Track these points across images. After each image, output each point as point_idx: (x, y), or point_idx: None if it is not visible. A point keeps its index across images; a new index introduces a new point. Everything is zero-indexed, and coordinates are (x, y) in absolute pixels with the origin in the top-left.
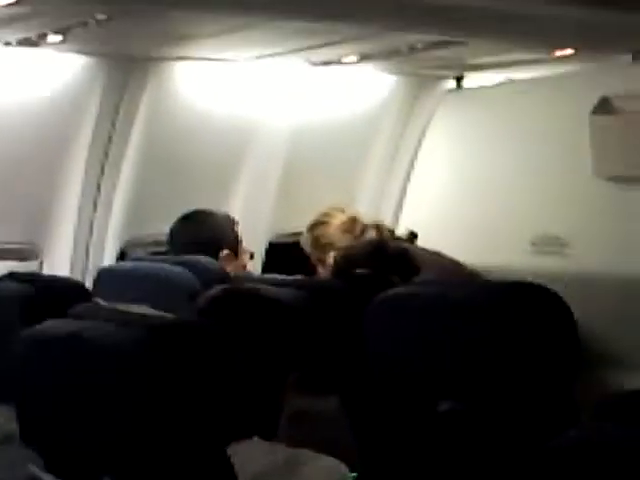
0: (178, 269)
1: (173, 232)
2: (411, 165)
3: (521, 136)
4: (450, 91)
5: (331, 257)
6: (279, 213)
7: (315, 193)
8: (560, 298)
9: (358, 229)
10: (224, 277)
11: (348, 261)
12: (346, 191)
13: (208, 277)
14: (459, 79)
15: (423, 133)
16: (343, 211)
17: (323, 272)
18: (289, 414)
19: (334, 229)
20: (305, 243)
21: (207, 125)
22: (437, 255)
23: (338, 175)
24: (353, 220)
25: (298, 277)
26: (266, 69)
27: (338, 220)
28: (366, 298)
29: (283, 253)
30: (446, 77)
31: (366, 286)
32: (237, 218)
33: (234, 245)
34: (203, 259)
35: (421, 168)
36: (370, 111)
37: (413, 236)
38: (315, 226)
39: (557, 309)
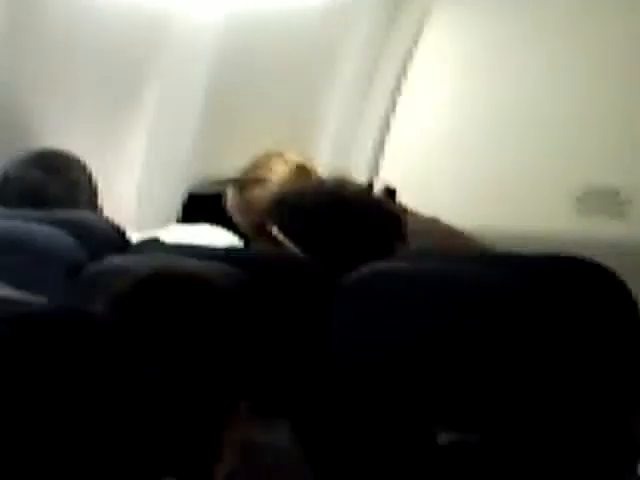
0: (49, 230)
1: (22, 182)
2: (396, 90)
3: (557, 49)
4: None
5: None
6: (201, 153)
7: (253, 124)
8: (617, 278)
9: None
10: (120, 243)
11: (293, 217)
12: (298, 124)
13: (95, 242)
14: None
15: (414, 43)
16: (285, 159)
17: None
18: (230, 445)
19: (274, 188)
20: (232, 207)
21: (95, 14)
22: (433, 221)
23: (287, 100)
24: (302, 171)
25: (232, 245)
26: None
27: (279, 173)
28: (332, 278)
29: (207, 208)
30: None
31: (333, 259)
32: (142, 160)
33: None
34: (89, 216)
35: (410, 95)
36: (339, 7)
37: (390, 194)
38: (246, 184)
39: (612, 293)
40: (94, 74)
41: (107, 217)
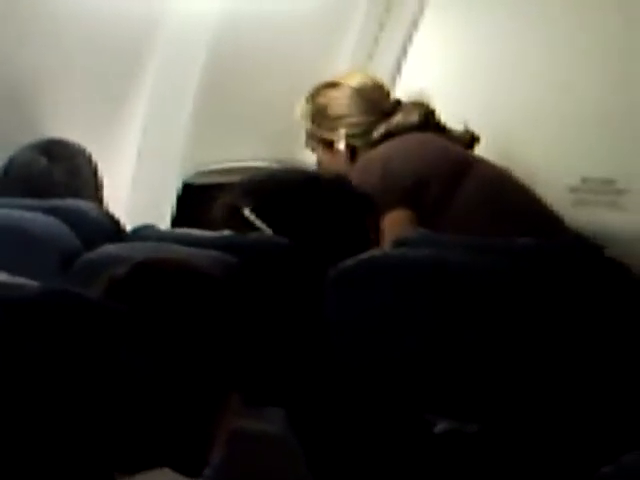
0: (45, 219)
1: (27, 169)
2: (396, 70)
3: (553, 42)
4: None
5: (341, 138)
6: (196, 143)
7: (247, 116)
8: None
9: (388, 103)
10: (114, 232)
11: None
12: (292, 116)
13: (90, 231)
14: None
15: (408, 39)
16: (358, 75)
17: (329, 159)
18: (223, 434)
19: (350, 94)
20: (302, 116)
21: (88, 9)
22: (501, 179)
23: (281, 92)
24: (380, 87)
25: (225, 233)
26: None
27: (356, 82)
28: (324, 266)
29: (202, 198)
30: None
31: (325, 245)
32: (136, 150)
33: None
34: (84, 205)
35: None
36: (333, 5)
37: (473, 139)
38: (320, 90)
39: (614, 274)
40: (89, 67)
41: (105, 206)
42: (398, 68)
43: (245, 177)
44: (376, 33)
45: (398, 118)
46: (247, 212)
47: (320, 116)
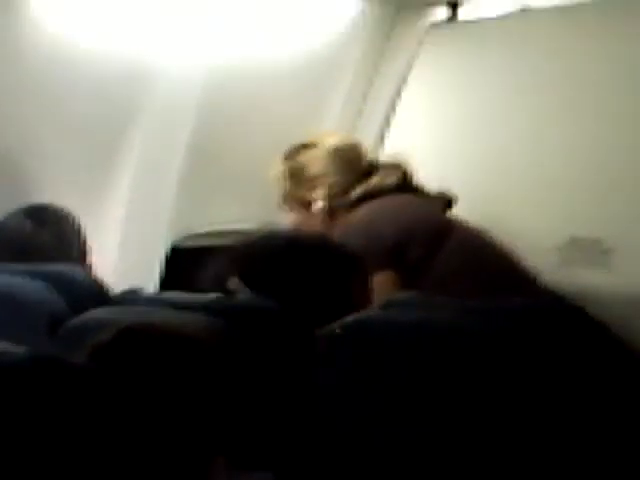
0: (32, 284)
1: (15, 233)
2: (384, 128)
3: (543, 91)
4: (440, 23)
5: (319, 198)
6: (184, 206)
7: (236, 177)
8: (598, 320)
9: (365, 164)
10: (101, 296)
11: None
12: None
13: (77, 295)
14: (454, 6)
15: (401, 85)
16: (336, 136)
17: (306, 220)
18: None
19: (327, 155)
20: (279, 176)
21: (74, 73)
22: (479, 240)
23: (272, 151)
24: (357, 147)
25: (213, 296)
26: None
27: (333, 142)
28: (311, 329)
29: (192, 261)
30: (435, 3)
31: (312, 308)
32: (122, 211)
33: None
34: (71, 269)
35: (399, 133)
36: (326, 49)
37: (450, 201)
38: (296, 151)
39: (593, 333)
40: (77, 130)
41: (93, 270)
42: (387, 123)
43: (232, 243)
44: (365, 89)
45: (376, 179)
46: (234, 279)
47: (297, 176)
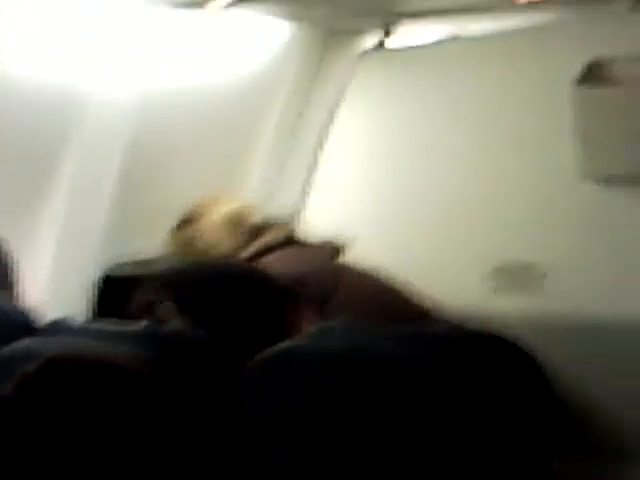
0: None
1: None
2: (315, 157)
3: (472, 119)
4: (372, 51)
5: None
6: (116, 234)
7: (169, 204)
8: (530, 355)
9: (251, 225)
10: (30, 325)
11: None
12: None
13: (5, 325)
14: (385, 34)
15: (332, 113)
16: (223, 201)
17: None
18: None
19: (214, 225)
20: (172, 245)
21: (5, 101)
22: (372, 281)
23: (205, 177)
24: (241, 213)
25: (144, 324)
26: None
27: (219, 212)
28: (238, 357)
29: (123, 290)
30: (366, 30)
31: (243, 337)
32: (53, 238)
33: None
34: None
35: (330, 161)
36: (256, 77)
37: (341, 249)
38: (185, 223)
39: (528, 369)
40: (9, 157)
41: (22, 299)
42: (320, 148)
43: (164, 269)
44: (295, 118)
45: (267, 238)
46: (166, 305)
47: (190, 247)
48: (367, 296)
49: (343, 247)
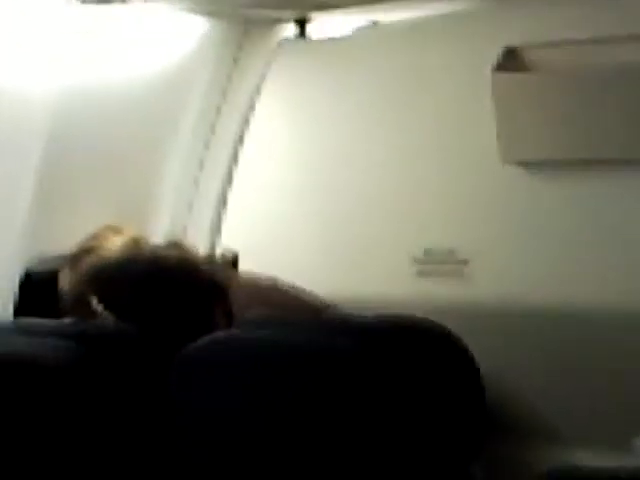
0: None
1: None
2: (234, 153)
3: (393, 107)
4: (288, 40)
5: None
6: (37, 230)
7: (90, 200)
8: (455, 340)
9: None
10: None
11: (112, 288)
12: (137, 198)
13: None
14: (301, 23)
15: (250, 104)
16: (120, 231)
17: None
18: None
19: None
20: (67, 285)
21: None
22: (273, 284)
23: (125, 172)
24: (137, 241)
25: (68, 320)
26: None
27: (115, 244)
28: (162, 350)
29: (44, 285)
30: (282, 20)
31: (153, 330)
32: None
33: None
34: None
35: (249, 157)
36: (170, 72)
37: (233, 260)
38: (79, 257)
39: (453, 355)
40: None
41: None
42: (241, 142)
43: (90, 264)
44: (214, 112)
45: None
46: (92, 300)
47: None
48: (259, 297)
49: (236, 261)
